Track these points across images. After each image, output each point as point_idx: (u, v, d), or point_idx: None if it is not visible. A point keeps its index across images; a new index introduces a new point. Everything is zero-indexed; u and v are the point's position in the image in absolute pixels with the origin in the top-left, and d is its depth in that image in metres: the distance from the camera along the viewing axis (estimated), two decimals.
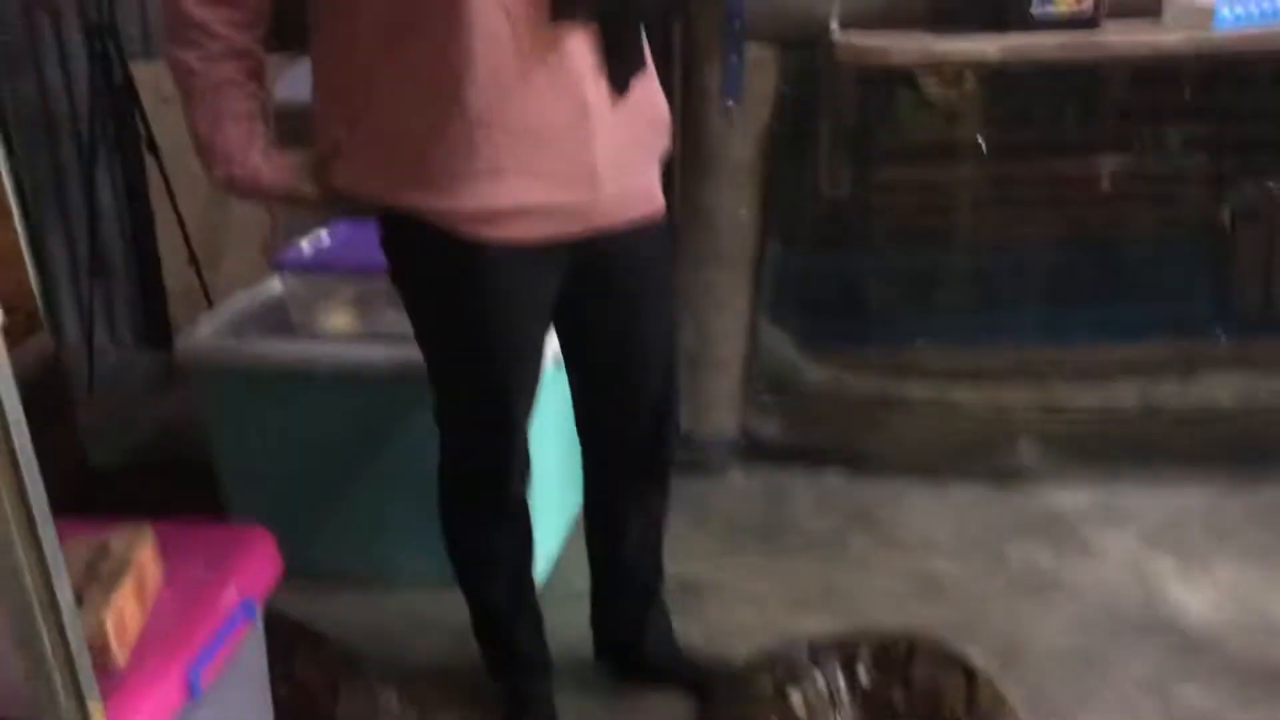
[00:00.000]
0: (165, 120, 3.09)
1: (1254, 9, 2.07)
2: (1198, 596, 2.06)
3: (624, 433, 1.66)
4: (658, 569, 1.84)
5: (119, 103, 3.04)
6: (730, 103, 2.33)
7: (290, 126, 3.04)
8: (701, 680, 1.79)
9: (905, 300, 2.89)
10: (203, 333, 2.18)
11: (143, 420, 2.90)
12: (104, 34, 2.97)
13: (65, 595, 0.93)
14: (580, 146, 1.39)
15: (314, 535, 2.09)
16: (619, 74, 1.40)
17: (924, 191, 2.83)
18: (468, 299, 1.46)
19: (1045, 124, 2.72)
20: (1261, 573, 2.12)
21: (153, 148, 3.05)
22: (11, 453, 0.89)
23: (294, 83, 3.02)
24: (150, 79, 3.11)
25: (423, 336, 1.56)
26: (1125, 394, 2.44)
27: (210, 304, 3.16)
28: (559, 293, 1.52)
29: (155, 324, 3.36)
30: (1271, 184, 2.69)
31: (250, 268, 3.23)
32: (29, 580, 0.90)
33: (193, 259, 3.14)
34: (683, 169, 2.43)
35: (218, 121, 1.44)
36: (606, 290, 1.54)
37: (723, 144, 2.37)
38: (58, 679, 0.94)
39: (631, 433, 1.66)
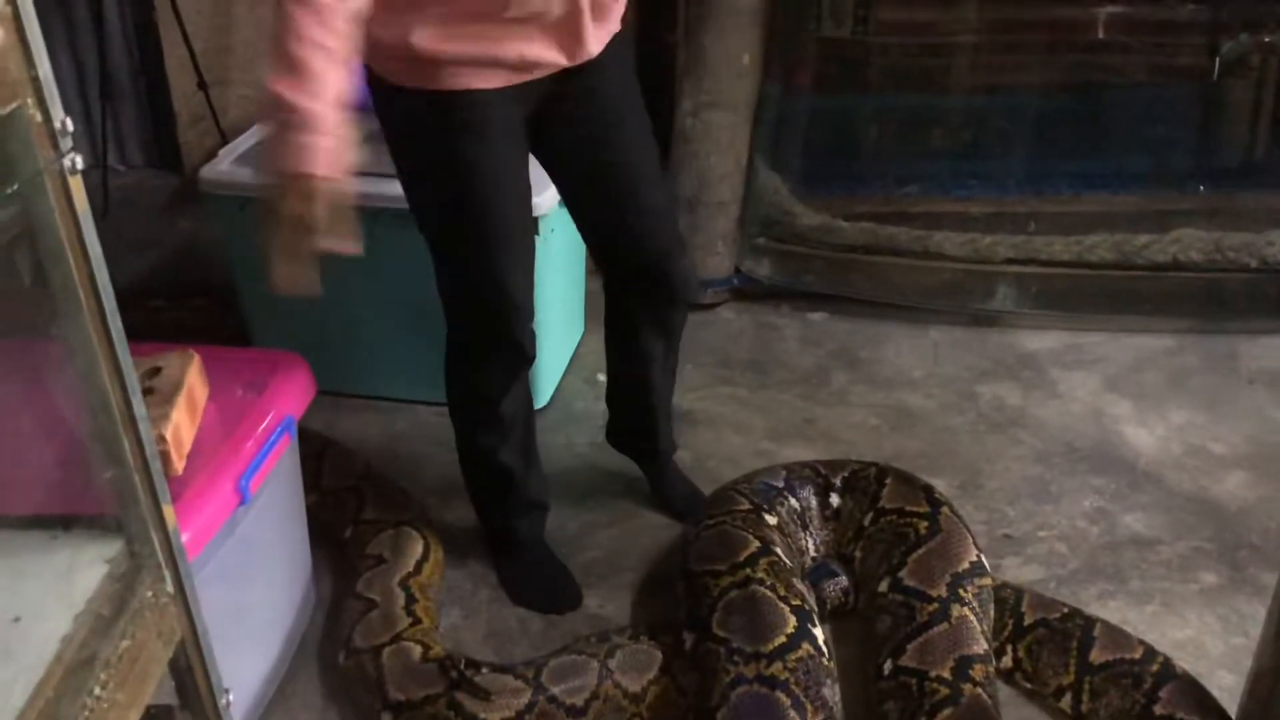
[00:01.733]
0: None
1: None
2: (1149, 436, 2.23)
3: (638, 245, 1.70)
4: (669, 389, 1.94)
5: None
6: None
7: None
8: (690, 511, 1.96)
9: (898, 145, 2.98)
10: (223, 164, 2.27)
11: (160, 242, 3.01)
12: None
13: (140, 410, 1.07)
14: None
15: (332, 357, 2.22)
16: None
17: (923, 31, 2.88)
18: (451, 138, 1.52)
19: None
20: (1209, 415, 2.29)
21: None
22: (95, 288, 1.02)
23: None
24: None
25: (416, 191, 1.62)
26: (1099, 245, 2.56)
27: (219, 127, 3.23)
28: (534, 115, 1.57)
29: (165, 146, 3.43)
30: (1265, 36, 2.74)
31: (257, 90, 3.28)
32: (113, 399, 1.04)
33: (201, 83, 3.18)
34: (686, 13, 2.48)
35: (317, 48, 1.27)
36: (580, 106, 1.59)
37: None
38: (138, 482, 1.09)
39: (647, 244, 1.70)
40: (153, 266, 2.89)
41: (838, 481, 1.85)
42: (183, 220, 3.13)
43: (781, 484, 1.85)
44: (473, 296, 1.65)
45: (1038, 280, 2.57)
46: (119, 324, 1.04)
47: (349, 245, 1.35)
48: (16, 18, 1.00)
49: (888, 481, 1.82)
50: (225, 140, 3.18)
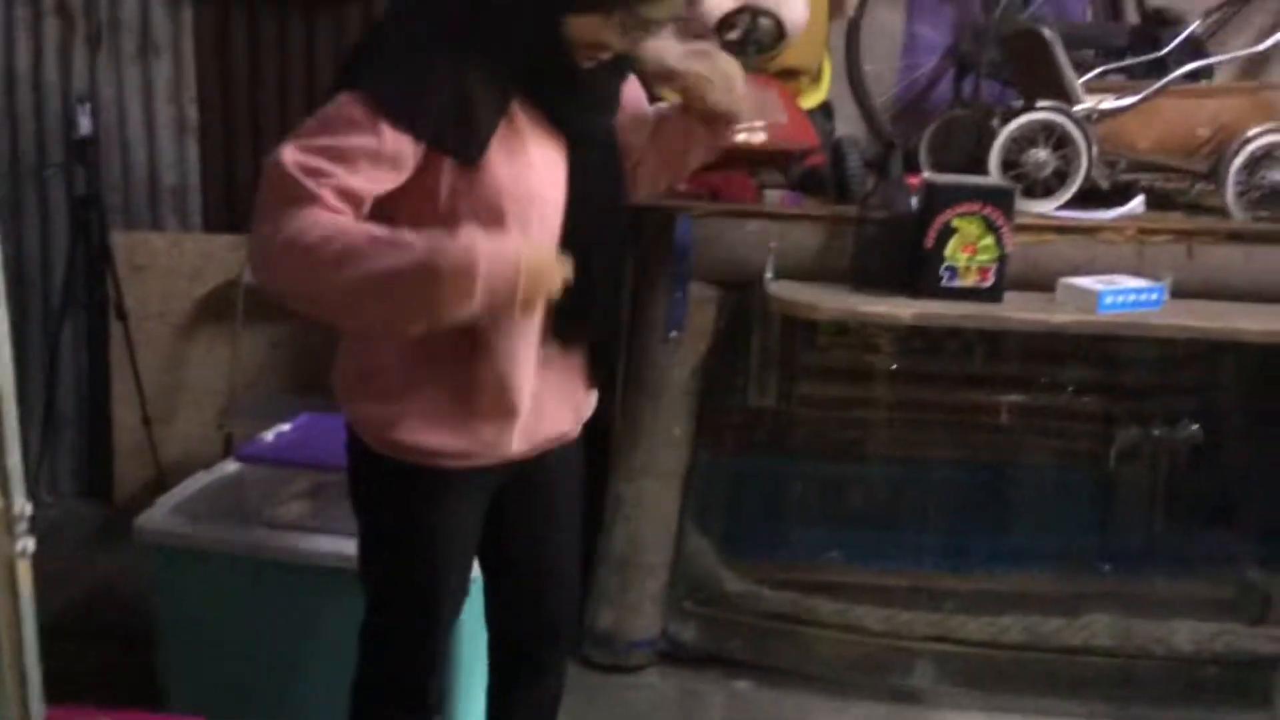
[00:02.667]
0: (133, 286, 3.26)
1: (1131, 298, 2.37)
2: None
3: (535, 622, 1.77)
4: None
5: (95, 267, 3.21)
6: (673, 334, 2.56)
7: (261, 303, 3.24)
8: None
9: (820, 512, 3.10)
10: (159, 512, 2.29)
11: (79, 578, 2.96)
12: (90, 204, 3.15)
13: None
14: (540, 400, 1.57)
15: None
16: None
17: (841, 406, 3.07)
18: (424, 514, 1.59)
19: (953, 357, 3.00)
20: None
21: (121, 313, 3.20)
22: (21, 671, 1.03)
23: None
24: (124, 246, 3.29)
25: (371, 547, 1.66)
26: (1013, 626, 2.65)
27: (157, 462, 3.27)
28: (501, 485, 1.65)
29: (98, 477, 3.44)
30: (1153, 429, 2.97)
31: (202, 428, 3.36)
32: None
33: (145, 419, 3.25)
34: (625, 391, 2.64)
35: (358, 230, 1.31)
36: (529, 496, 1.68)
37: (664, 371, 2.60)
38: None
39: (542, 620, 1.77)
40: (69, 603, 2.82)
41: None
42: (106, 556, 3.09)
43: None
44: (397, 650, 1.69)
45: (956, 659, 2.62)
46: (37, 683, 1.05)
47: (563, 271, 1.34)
48: None
49: None
50: (161, 476, 3.22)
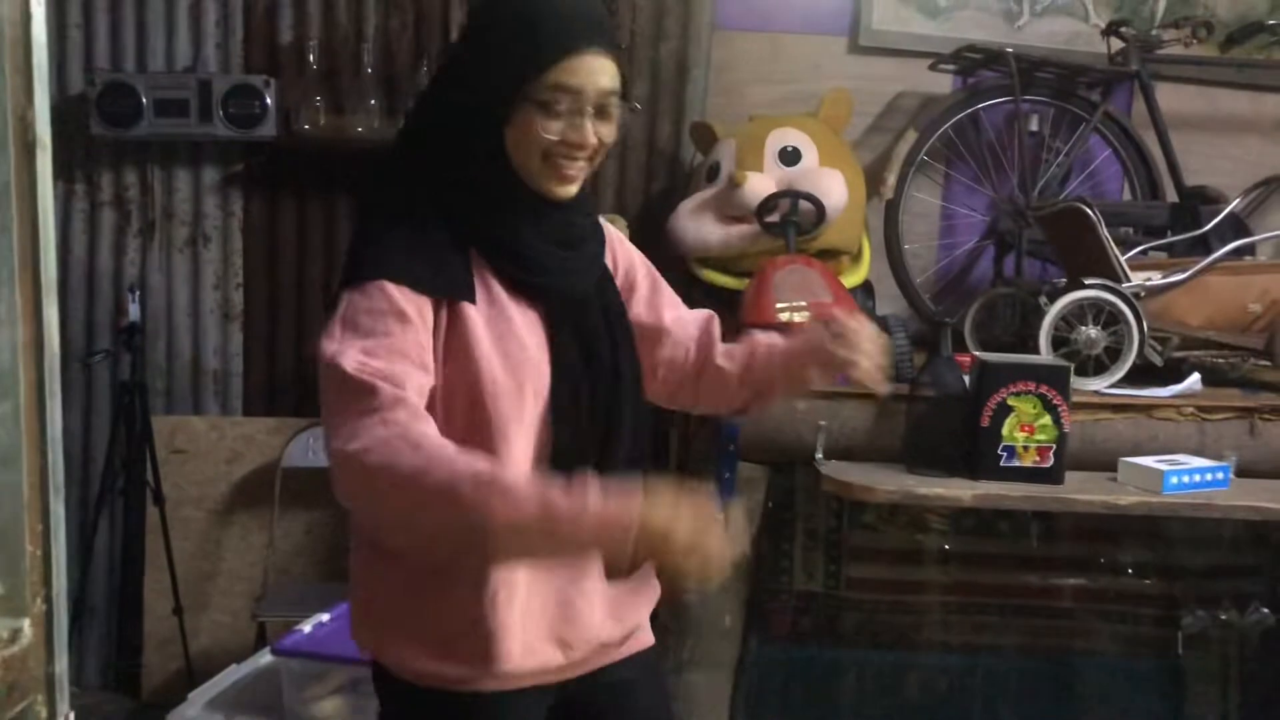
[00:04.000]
0: (172, 470, 3.24)
1: (1196, 478, 2.30)
2: None
3: None
4: None
5: (133, 451, 3.19)
6: (721, 515, 2.49)
7: (298, 488, 3.21)
8: None
9: (873, 700, 2.96)
10: (192, 709, 2.20)
11: None
12: (134, 389, 3.17)
13: None
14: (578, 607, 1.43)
15: None
16: None
17: (892, 590, 2.96)
18: None
19: (1010, 538, 2.90)
20: None
21: (159, 498, 3.17)
22: None
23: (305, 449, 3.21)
24: (165, 430, 3.29)
25: None
26: None
27: (187, 654, 3.17)
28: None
29: (125, 670, 3.34)
30: (1220, 613, 2.84)
31: (234, 618, 3.28)
32: None
33: (177, 608, 3.17)
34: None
35: (466, 458, 1.19)
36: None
37: None
38: None
39: None
40: None
41: None
42: None
43: None
44: None
45: None
46: None
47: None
48: (49, 616, 1.02)
49: None
50: (190, 668, 3.12)
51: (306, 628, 2.29)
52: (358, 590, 1.45)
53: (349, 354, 1.26)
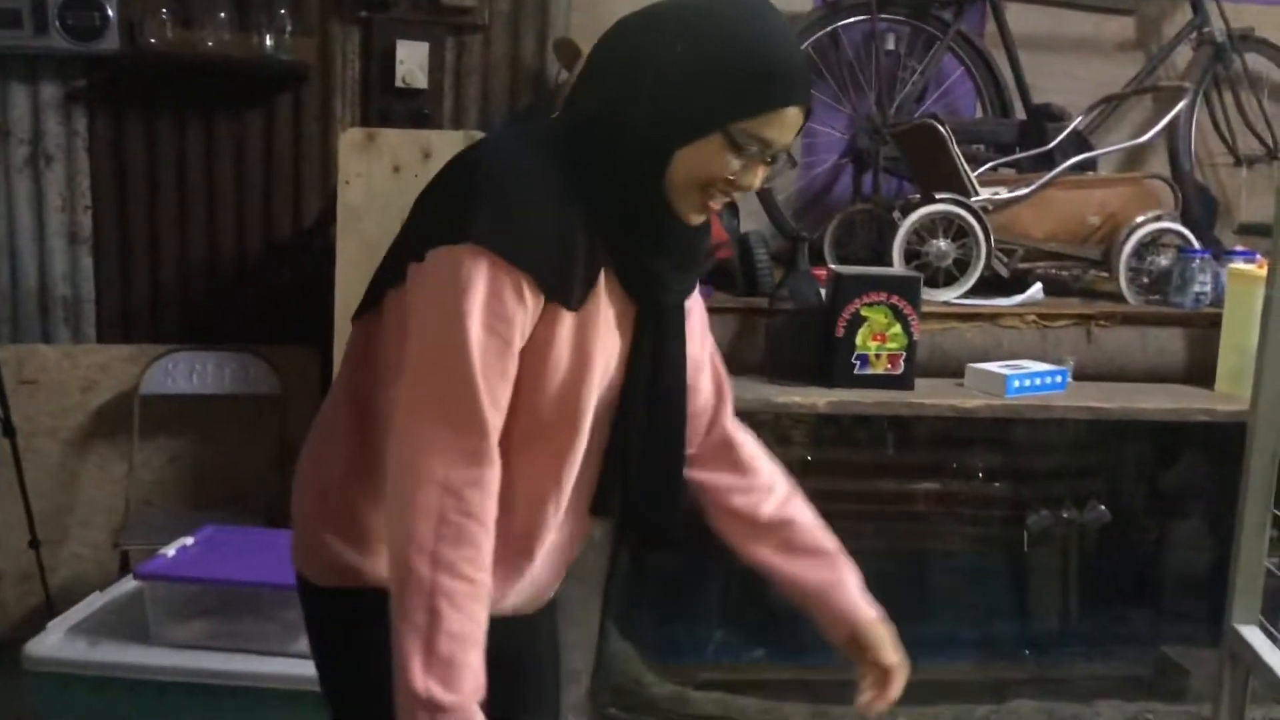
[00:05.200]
0: (21, 400, 3.13)
1: (1036, 381, 2.43)
2: None
3: None
4: None
5: None
6: None
7: (158, 416, 3.14)
8: None
9: (743, 609, 3.06)
10: (50, 637, 2.16)
11: None
12: None
13: None
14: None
15: None
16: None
17: None
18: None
19: (868, 447, 3.02)
20: None
21: (9, 429, 3.05)
22: None
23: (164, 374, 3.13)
24: (12, 359, 3.16)
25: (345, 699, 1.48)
26: (943, 714, 2.62)
27: (45, 587, 3.09)
28: None
29: None
30: (1063, 511, 3.02)
31: (96, 550, 3.21)
32: None
33: (34, 541, 3.08)
34: None
35: (470, 643, 1.20)
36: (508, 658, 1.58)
37: None
38: None
39: None
40: None
41: None
42: None
43: None
44: None
45: None
46: None
47: None
48: None
49: None
50: (50, 602, 3.04)
51: (171, 551, 2.26)
52: (315, 476, 1.42)
53: (479, 356, 1.21)
